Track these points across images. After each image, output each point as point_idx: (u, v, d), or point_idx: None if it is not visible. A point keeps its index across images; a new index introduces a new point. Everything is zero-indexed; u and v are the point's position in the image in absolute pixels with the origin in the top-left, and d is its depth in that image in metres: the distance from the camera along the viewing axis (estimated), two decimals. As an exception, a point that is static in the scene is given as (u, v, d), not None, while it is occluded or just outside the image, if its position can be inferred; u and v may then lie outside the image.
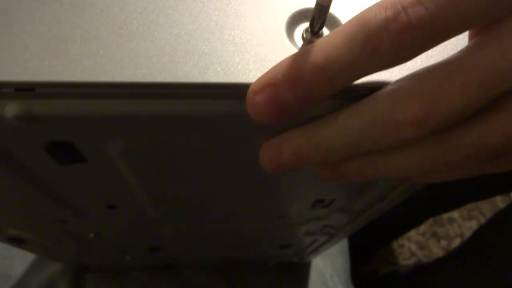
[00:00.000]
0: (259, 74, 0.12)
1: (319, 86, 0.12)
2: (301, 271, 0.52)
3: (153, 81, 0.12)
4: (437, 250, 0.89)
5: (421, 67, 0.12)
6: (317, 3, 0.12)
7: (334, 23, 0.14)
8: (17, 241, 0.30)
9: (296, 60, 0.12)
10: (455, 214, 0.95)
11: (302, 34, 0.13)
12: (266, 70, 0.12)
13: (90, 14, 0.12)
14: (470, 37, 0.13)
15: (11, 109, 0.12)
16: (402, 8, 0.11)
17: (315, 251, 0.45)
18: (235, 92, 0.13)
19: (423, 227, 0.93)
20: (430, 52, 0.14)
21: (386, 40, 0.11)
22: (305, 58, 0.12)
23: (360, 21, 0.11)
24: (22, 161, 0.15)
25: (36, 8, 0.12)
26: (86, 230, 0.28)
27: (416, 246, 0.90)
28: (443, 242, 0.91)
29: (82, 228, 0.28)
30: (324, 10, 0.12)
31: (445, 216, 0.94)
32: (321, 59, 0.11)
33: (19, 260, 0.49)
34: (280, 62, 0.12)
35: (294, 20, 0.13)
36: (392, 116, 0.12)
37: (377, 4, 0.11)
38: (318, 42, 0.12)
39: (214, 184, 0.20)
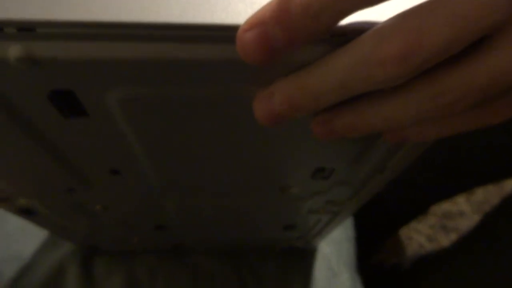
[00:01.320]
0: (249, 16, 0.13)
1: (305, 23, 0.12)
2: (307, 256, 0.52)
3: (140, 21, 0.12)
4: (446, 243, 0.89)
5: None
6: None
7: None
8: (28, 212, 0.31)
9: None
10: (465, 207, 0.94)
11: None
12: (255, 11, 0.13)
13: None
14: None
15: (14, 50, 0.13)
16: None
17: (320, 234, 0.46)
18: (226, 34, 0.13)
19: (432, 219, 0.92)
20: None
21: None
22: None
23: None
24: (25, 112, 0.16)
25: None
26: (93, 201, 0.29)
27: (425, 238, 0.89)
28: (453, 235, 0.90)
29: (89, 198, 0.28)
30: None
31: (455, 208, 0.93)
32: None
33: (31, 242, 0.51)
34: (270, 1, 0.13)
35: None
36: (377, 53, 0.12)
37: None
38: None
39: (212, 145, 0.20)
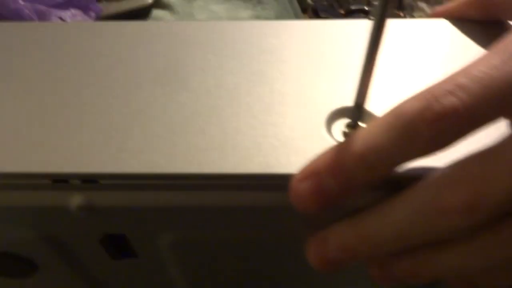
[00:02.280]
0: (301, 166, 0.13)
1: (360, 173, 0.12)
2: None
3: (201, 172, 0.13)
4: None
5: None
6: (355, 103, 0.13)
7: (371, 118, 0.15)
8: None
9: (337, 150, 0.12)
10: None
11: (343, 130, 0.14)
12: (307, 162, 0.13)
13: (151, 115, 0.14)
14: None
15: (76, 200, 0.13)
16: (435, 99, 0.11)
17: None
18: (279, 183, 0.13)
19: None
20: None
21: (423, 127, 0.11)
22: (346, 147, 0.12)
23: (396, 112, 0.12)
24: (77, 254, 0.16)
25: (103, 109, 0.14)
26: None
27: None
28: None
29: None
30: (360, 107, 0.13)
31: None
32: (361, 147, 0.12)
33: None
34: (323, 153, 0.13)
35: (333, 117, 0.14)
36: (438, 204, 0.12)
37: (411, 98, 0.12)
38: (357, 133, 0.12)
39: (259, 278, 0.19)
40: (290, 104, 0.15)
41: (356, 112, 0.14)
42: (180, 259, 0.17)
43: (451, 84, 0.11)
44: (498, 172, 0.11)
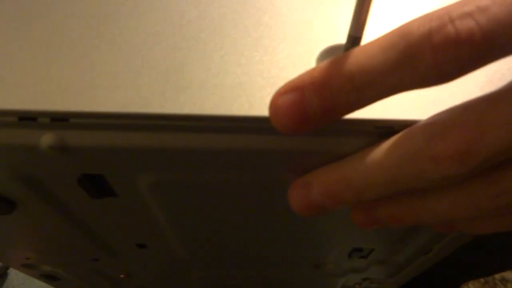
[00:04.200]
0: None
1: (346, 94, 0.11)
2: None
3: (180, 112, 0.12)
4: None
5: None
6: (349, 35, 0.11)
7: None
8: (51, 278, 0.30)
9: (326, 66, 0.11)
10: (509, 274, 0.85)
11: None
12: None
13: (126, 48, 0.13)
14: None
15: (46, 139, 0.13)
16: (449, 20, 0.10)
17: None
18: (262, 126, 0.12)
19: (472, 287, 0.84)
20: (471, 87, 0.13)
21: (428, 51, 0.10)
22: (335, 64, 0.11)
23: (401, 31, 0.10)
24: (55, 193, 0.16)
25: (74, 42, 0.13)
26: (117, 270, 0.28)
27: (468, 309, 0.81)
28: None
29: (114, 267, 0.27)
30: (356, 42, 0.11)
31: (497, 276, 0.85)
32: (352, 66, 0.11)
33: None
34: (311, 68, 0.11)
35: (325, 56, 0.13)
36: (430, 150, 0.11)
37: (422, 16, 0.10)
38: (352, 51, 0.11)
39: (243, 226, 0.19)
40: (278, 39, 0.14)
41: (350, 47, 0.12)
42: (161, 201, 0.16)
43: (472, 4, 0.10)
44: (494, 121, 0.10)
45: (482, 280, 0.84)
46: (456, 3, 0.10)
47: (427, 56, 0.10)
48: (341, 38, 0.14)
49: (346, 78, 0.11)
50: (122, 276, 0.30)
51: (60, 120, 0.12)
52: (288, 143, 0.13)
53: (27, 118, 0.12)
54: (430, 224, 0.15)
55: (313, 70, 0.11)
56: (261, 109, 0.12)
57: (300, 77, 0.11)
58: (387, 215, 0.15)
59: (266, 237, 0.21)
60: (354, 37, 0.11)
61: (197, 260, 0.26)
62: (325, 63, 0.11)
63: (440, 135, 0.11)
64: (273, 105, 0.12)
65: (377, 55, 0.10)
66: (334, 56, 0.11)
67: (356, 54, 0.11)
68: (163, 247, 0.23)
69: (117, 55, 0.13)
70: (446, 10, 0.10)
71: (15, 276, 0.49)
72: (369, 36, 0.13)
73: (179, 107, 0.12)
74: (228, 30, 0.14)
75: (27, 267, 0.27)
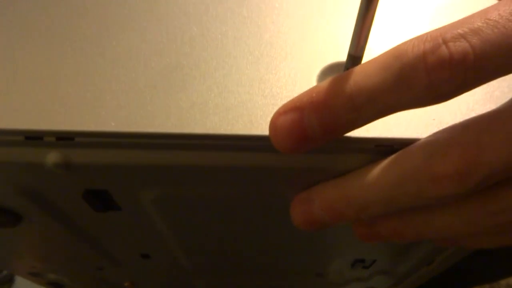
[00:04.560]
0: None
1: (345, 114, 0.11)
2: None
3: (182, 132, 0.12)
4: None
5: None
6: (349, 55, 0.12)
7: None
8: (57, 286, 0.30)
9: (325, 86, 0.11)
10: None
11: None
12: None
13: (129, 67, 0.13)
14: None
15: (52, 157, 0.13)
16: (443, 41, 0.10)
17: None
18: (263, 144, 0.12)
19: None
20: (471, 105, 0.13)
21: (422, 73, 0.10)
22: (334, 84, 0.11)
23: (396, 52, 0.10)
24: (60, 207, 0.16)
25: (78, 62, 0.13)
26: (121, 278, 0.28)
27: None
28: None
29: (118, 276, 0.28)
30: (356, 61, 0.12)
31: (503, 282, 0.84)
32: (350, 86, 0.11)
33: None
34: (310, 88, 0.12)
35: (325, 73, 0.13)
36: (429, 169, 0.11)
37: (416, 37, 0.10)
38: (350, 71, 0.11)
39: (246, 238, 0.19)
40: (279, 57, 0.14)
41: (350, 67, 0.12)
42: (163, 215, 0.17)
43: (465, 26, 0.10)
44: (494, 141, 0.11)
45: (487, 286, 0.83)
46: (450, 25, 0.10)
47: (422, 77, 0.10)
48: (342, 56, 0.14)
49: (345, 98, 0.11)
50: (126, 284, 0.30)
51: (65, 139, 0.12)
52: (289, 160, 0.13)
53: (33, 138, 0.12)
54: (431, 240, 0.15)
55: (312, 90, 0.11)
56: (262, 128, 0.12)
57: (299, 97, 0.12)
58: (388, 230, 0.15)
59: (269, 248, 0.21)
60: (354, 57, 0.12)
61: (201, 270, 0.26)
62: (324, 83, 0.11)
63: (439, 154, 0.11)
64: (273, 125, 0.12)
65: (374, 75, 0.11)
66: (333, 76, 0.11)
67: (354, 74, 0.11)
68: (166, 257, 0.23)
69: (120, 74, 0.13)
70: (440, 31, 0.10)
71: (22, 282, 0.49)
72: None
73: (181, 126, 0.12)
74: (230, 48, 0.14)
75: (33, 275, 0.28)
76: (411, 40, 0.10)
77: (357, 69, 0.11)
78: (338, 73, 0.13)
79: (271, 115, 0.12)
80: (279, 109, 0.12)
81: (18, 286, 0.49)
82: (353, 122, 0.11)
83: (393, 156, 0.12)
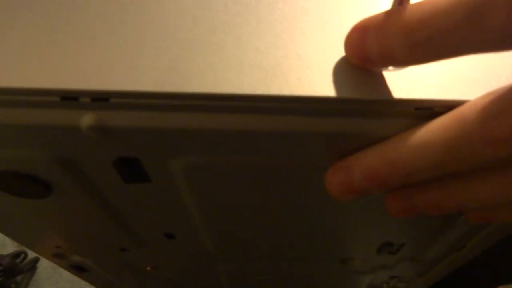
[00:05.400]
0: (325, 89, 0.12)
1: (401, 47, 0.11)
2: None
3: (217, 92, 0.12)
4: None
5: None
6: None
7: None
8: (79, 269, 0.31)
9: (388, 13, 0.11)
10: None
11: None
12: (332, 85, 0.12)
13: (165, 29, 0.13)
14: None
15: (87, 119, 0.13)
16: None
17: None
18: (300, 106, 0.12)
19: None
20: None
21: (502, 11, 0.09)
22: (398, 13, 0.11)
23: None
24: (90, 176, 0.16)
25: (115, 22, 0.13)
26: (144, 261, 0.28)
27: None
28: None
29: (141, 259, 0.28)
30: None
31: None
32: (413, 19, 0.10)
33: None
34: (383, 11, 0.11)
35: None
36: (485, 133, 0.11)
37: None
38: (414, 3, 0.11)
39: (273, 216, 0.19)
40: (315, 22, 0.14)
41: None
42: (193, 187, 0.16)
43: None
44: None
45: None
46: None
47: (500, 14, 0.09)
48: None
49: (405, 28, 0.11)
50: (148, 268, 0.30)
51: (100, 100, 0.12)
52: (326, 125, 0.13)
53: (69, 98, 0.12)
54: (470, 211, 0.15)
55: (376, 15, 0.12)
56: (299, 89, 0.12)
57: (367, 18, 0.12)
58: (425, 202, 0.14)
59: (294, 229, 0.21)
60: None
61: (224, 253, 0.26)
62: (392, 9, 0.11)
63: (497, 116, 0.11)
64: (346, 39, 0.12)
65: (443, 10, 0.10)
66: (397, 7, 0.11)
67: (419, 6, 0.11)
68: (191, 238, 0.23)
69: (157, 36, 0.13)
70: None
71: (43, 270, 0.50)
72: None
73: (217, 87, 0.12)
74: (265, 13, 0.14)
75: (57, 257, 0.28)
76: None
77: (423, 2, 0.11)
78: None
79: (307, 77, 0.12)
80: (355, 25, 0.12)
81: (40, 273, 0.50)
82: (409, 57, 0.11)
83: (441, 119, 0.12)
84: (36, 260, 0.49)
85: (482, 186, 0.13)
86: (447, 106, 0.12)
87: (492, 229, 0.20)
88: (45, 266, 0.50)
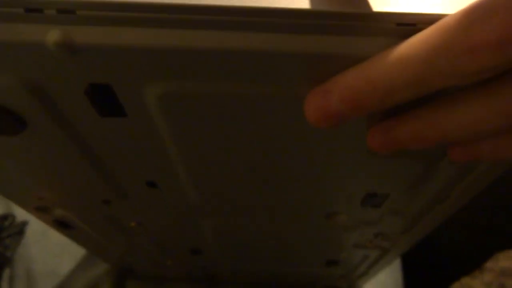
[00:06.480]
0: (300, 1, 0.11)
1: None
2: (350, 298, 0.48)
3: (191, 3, 0.11)
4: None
5: None
6: None
7: None
8: (64, 225, 0.30)
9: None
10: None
11: None
12: None
13: None
14: None
15: (53, 35, 0.12)
16: None
17: (365, 274, 0.42)
18: (275, 21, 0.12)
19: (488, 276, 0.83)
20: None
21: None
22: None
23: None
24: (63, 108, 0.15)
25: None
26: (128, 216, 0.28)
27: (482, 293, 0.80)
28: (515, 291, 0.80)
29: (125, 213, 0.28)
30: None
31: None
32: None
33: (68, 260, 0.51)
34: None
35: None
36: (467, 39, 0.10)
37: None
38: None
39: (254, 156, 0.19)
40: None
41: None
42: (169, 118, 0.16)
43: None
44: None
45: (498, 269, 0.82)
46: None
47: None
48: None
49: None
50: (133, 224, 0.30)
51: (66, 12, 0.12)
52: (302, 43, 0.12)
53: (33, 10, 0.12)
54: (453, 147, 0.14)
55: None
56: (273, 1, 0.12)
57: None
58: (408, 134, 0.14)
59: (277, 176, 0.21)
60: None
61: (207, 206, 0.26)
62: None
63: (479, 22, 0.10)
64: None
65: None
66: None
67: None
68: (173, 187, 0.23)
69: None
70: None
71: (32, 234, 0.50)
72: None
73: None
74: None
75: (40, 210, 0.28)
76: None
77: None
78: None
79: None
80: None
81: (28, 237, 0.50)
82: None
83: (424, 31, 0.11)
84: (24, 223, 0.49)
85: (465, 110, 0.12)
86: (432, 21, 0.11)
87: (473, 178, 0.20)
88: (34, 229, 0.50)
